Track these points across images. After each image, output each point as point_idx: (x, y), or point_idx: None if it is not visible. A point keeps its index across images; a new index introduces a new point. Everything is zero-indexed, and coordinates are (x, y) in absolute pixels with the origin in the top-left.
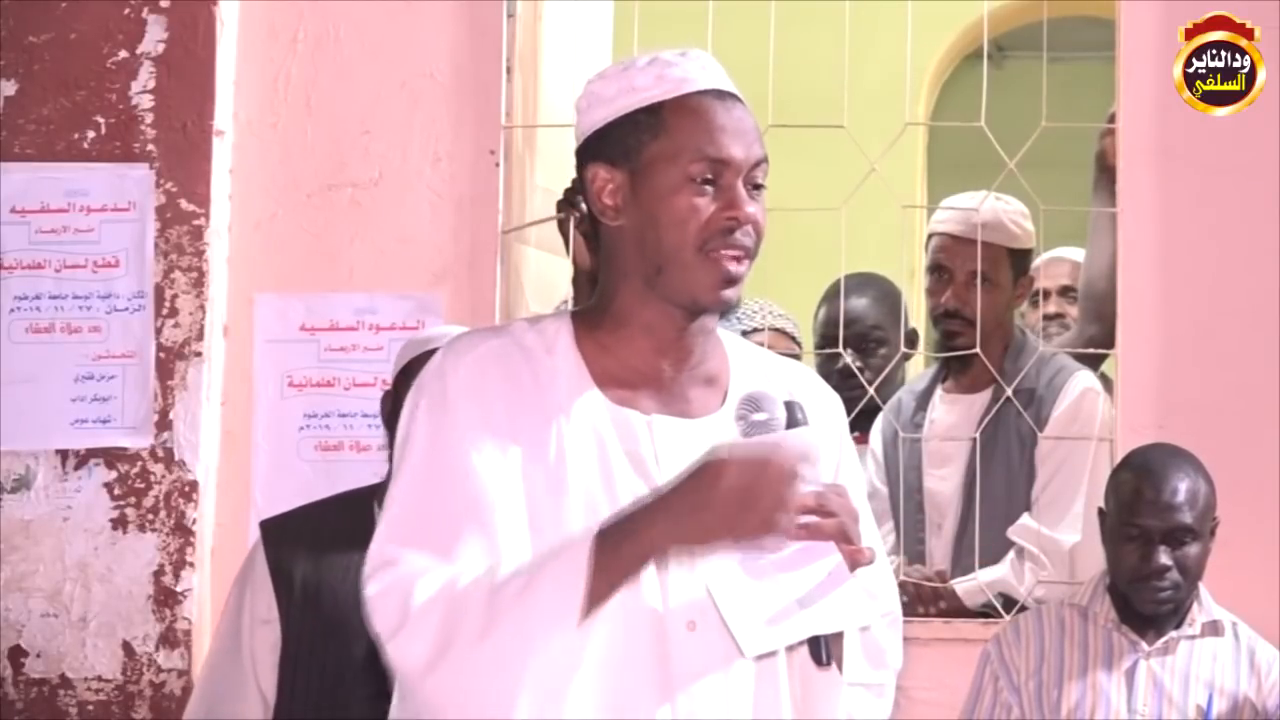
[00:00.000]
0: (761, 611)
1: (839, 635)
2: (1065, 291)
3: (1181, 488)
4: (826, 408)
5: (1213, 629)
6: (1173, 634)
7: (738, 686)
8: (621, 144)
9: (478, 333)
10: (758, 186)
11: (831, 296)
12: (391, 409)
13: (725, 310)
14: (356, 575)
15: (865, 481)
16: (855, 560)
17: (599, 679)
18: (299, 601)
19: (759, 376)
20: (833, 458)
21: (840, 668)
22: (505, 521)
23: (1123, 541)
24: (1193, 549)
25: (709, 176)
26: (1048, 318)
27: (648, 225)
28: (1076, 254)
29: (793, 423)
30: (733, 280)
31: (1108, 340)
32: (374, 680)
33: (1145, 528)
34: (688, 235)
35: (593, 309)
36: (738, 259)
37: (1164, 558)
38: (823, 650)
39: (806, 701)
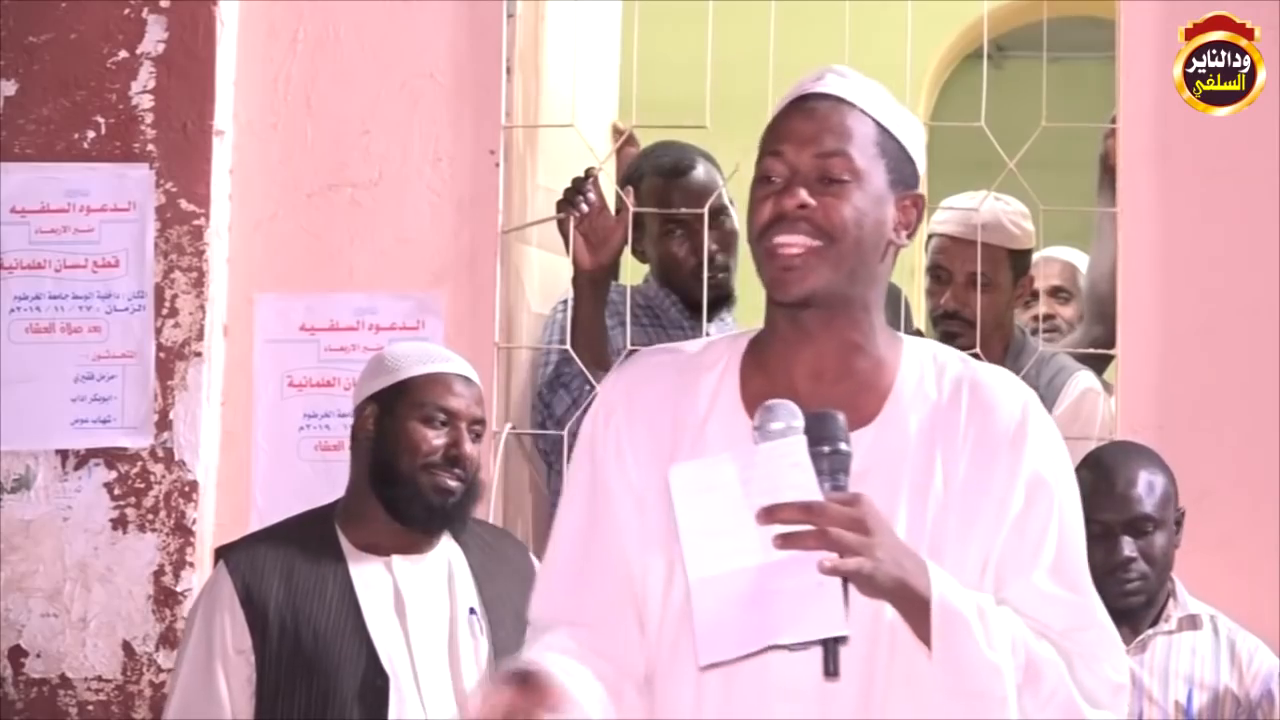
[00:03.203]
0: (732, 621)
1: (842, 644)
2: (1056, 292)
3: (1137, 478)
4: (998, 399)
5: (1190, 623)
6: (1149, 631)
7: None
8: None
9: (649, 351)
10: (832, 181)
11: None
12: (377, 426)
13: (790, 301)
14: (333, 601)
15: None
16: (835, 569)
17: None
18: (275, 633)
19: (928, 378)
20: (1000, 451)
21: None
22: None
23: (1085, 540)
24: (1157, 539)
25: (769, 174)
26: (1038, 319)
27: None
28: (1068, 253)
29: (816, 433)
30: (790, 268)
31: (1113, 342)
32: (363, 710)
33: (1106, 522)
34: (751, 230)
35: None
36: (791, 246)
37: (1129, 549)
38: (829, 661)
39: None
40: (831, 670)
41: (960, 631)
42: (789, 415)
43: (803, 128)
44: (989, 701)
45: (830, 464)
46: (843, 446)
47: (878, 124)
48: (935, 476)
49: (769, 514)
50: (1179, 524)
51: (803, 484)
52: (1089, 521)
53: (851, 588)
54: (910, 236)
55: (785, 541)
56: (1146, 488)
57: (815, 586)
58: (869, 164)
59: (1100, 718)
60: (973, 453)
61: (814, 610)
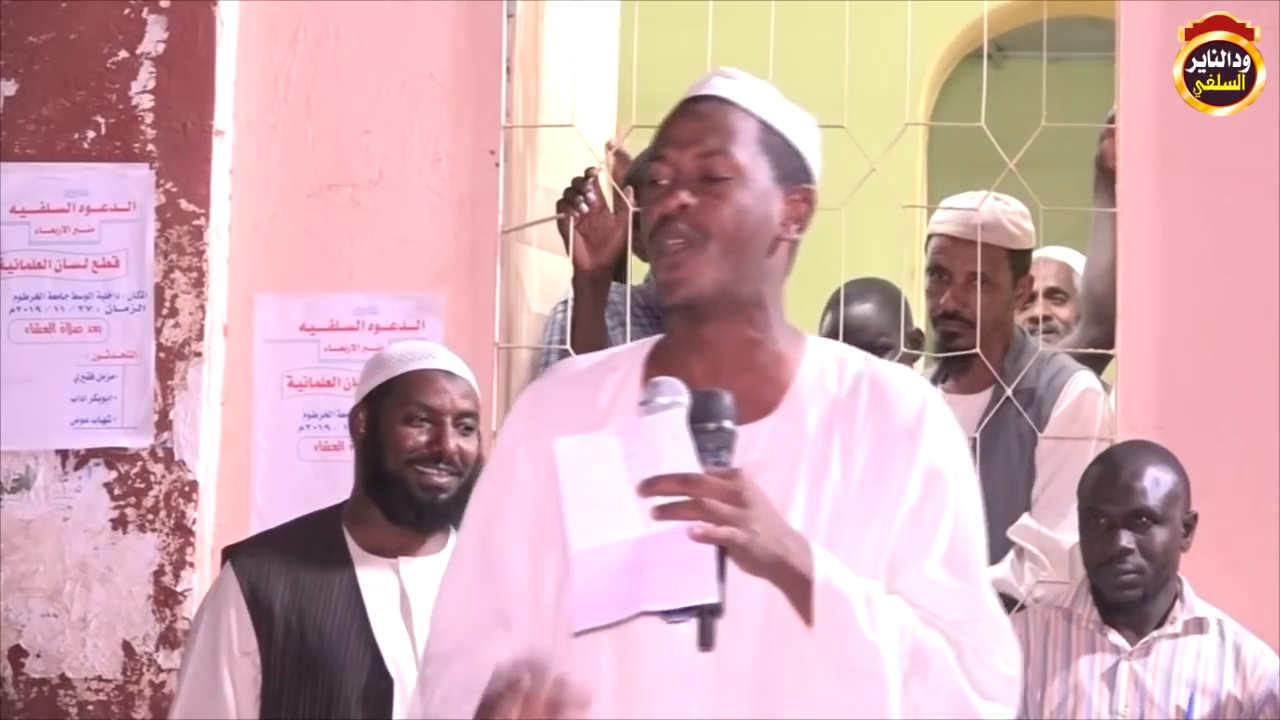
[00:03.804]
0: (608, 589)
1: (716, 616)
2: (1052, 293)
3: (1142, 473)
4: (897, 393)
5: (1197, 626)
6: (1154, 634)
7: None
8: None
9: (564, 361)
10: (714, 180)
11: (836, 304)
12: (368, 428)
13: (678, 303)
14: (339, 603)
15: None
16: (706, 535)
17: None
18: (280, 633)
19: (829, 373)
20: (897, 444)
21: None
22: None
23: (1088, 530)
24: (1157, 534)
25: (657, 177)
26: (1034, 320)
27: None
28: (1063, 254)
29: (702, 410)
30: (675, 269)
31: (1110, 342)
32: (366, 710)
33: (1107, 513)
34: (644, 235)
35: None
36: (676, 248)
37: (1125, 541)
38: (704, 632)
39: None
40: (706, 642)
41: (842, 611)
42: (674, 391)
43: (685, 130)
44: (870, 681)
45: (715, 441)
46: (727, 424)
47: (761, 121)
48: (833, 467)
49: (648, 486)
50: (1189, 526)
51: (682, 456)
52: (1094, 513)
53: (732, 565)
54: (800, 230)
55: (662, 512)
56: (1151, 482)
57: (690, 555)
58: (751, 161)
59: (990, 709)
60: (871, 445)
61: (687, 578)
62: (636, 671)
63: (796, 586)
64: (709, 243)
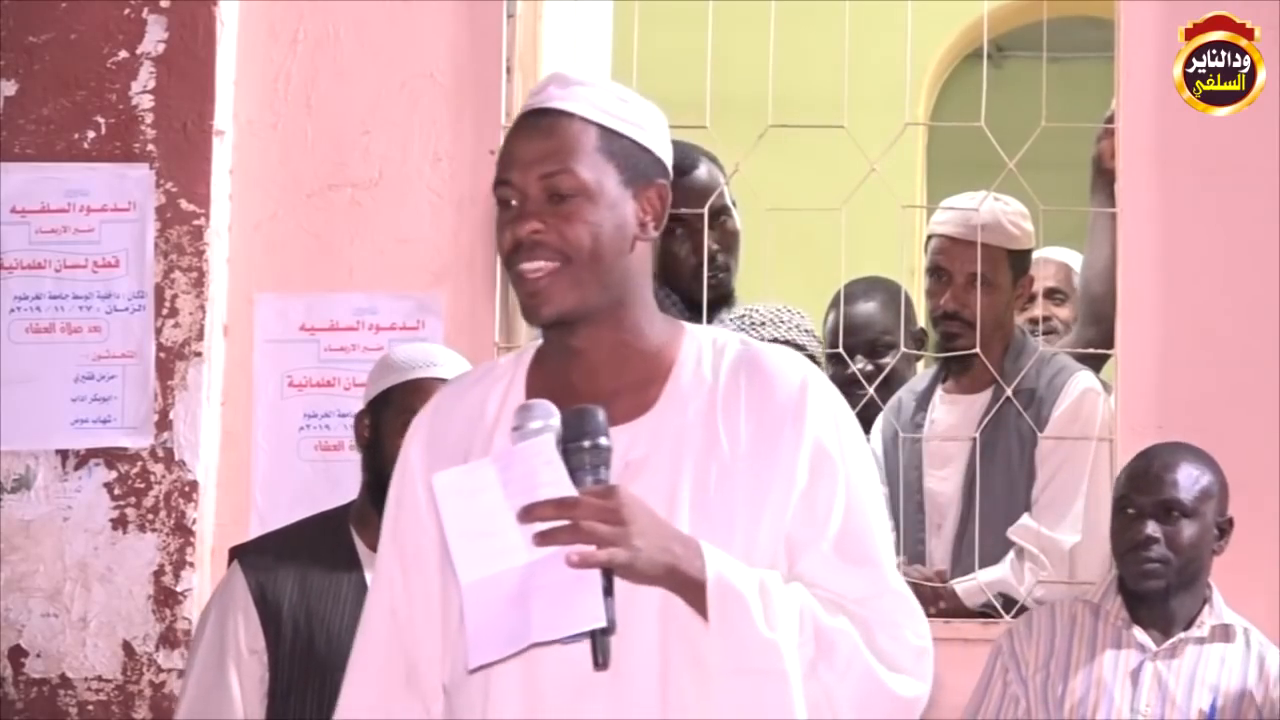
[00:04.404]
0: (499, 621)
1: (607, 636)
2: (1051, 294)
3: (1175, 467)
4: (776, 374)
5: (1223, 633)
6: (1181, 635)
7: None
8: None
9: (463, 374)
10: (562, 198)
11: (839, 304)
12: (371, 434)
13: (542, 324)
14: (346, 603)
15: (852, 453)
16: (584, 560)
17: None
18: (288, 632)
19: (706, 362)
20: (782, 425)
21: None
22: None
23: (1118, 520)
24: (1185, 527)
25: (505, 199)
26: (1034, 321)
27: None
28: (1062, 254)
29: (575, 429)
30: (535, 293)
31: (1106, 342)
32: None
33: (1136, 502)
34: (500, 256)
35: None
36: (534, 273)
37: (1152, 529)
38: (597, 653)
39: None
40: (600, 662)
41: (737, 609)
42: (545, 414)
43: (525, 151)
44: (770, 678)
45: (591, 459)
46: (602, 441)
47: (601, 128)
48: (717, 455)
49: (527, 513)
50: (1223, 530)
51: (556, 480)
52: (1125, 502)
53: (620, 578)
54: (658, 227)
55: (542, 538)
56: (1185, 477)
57: (574, 580)
58: (596, 173)
59: (901, 682)
60: (756, 428)
61: (572, 605)
62: (540, 681)
63: (690, 590)
64: (567, 265)
